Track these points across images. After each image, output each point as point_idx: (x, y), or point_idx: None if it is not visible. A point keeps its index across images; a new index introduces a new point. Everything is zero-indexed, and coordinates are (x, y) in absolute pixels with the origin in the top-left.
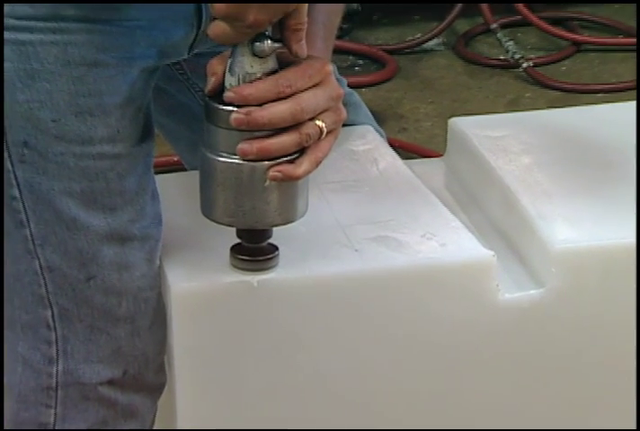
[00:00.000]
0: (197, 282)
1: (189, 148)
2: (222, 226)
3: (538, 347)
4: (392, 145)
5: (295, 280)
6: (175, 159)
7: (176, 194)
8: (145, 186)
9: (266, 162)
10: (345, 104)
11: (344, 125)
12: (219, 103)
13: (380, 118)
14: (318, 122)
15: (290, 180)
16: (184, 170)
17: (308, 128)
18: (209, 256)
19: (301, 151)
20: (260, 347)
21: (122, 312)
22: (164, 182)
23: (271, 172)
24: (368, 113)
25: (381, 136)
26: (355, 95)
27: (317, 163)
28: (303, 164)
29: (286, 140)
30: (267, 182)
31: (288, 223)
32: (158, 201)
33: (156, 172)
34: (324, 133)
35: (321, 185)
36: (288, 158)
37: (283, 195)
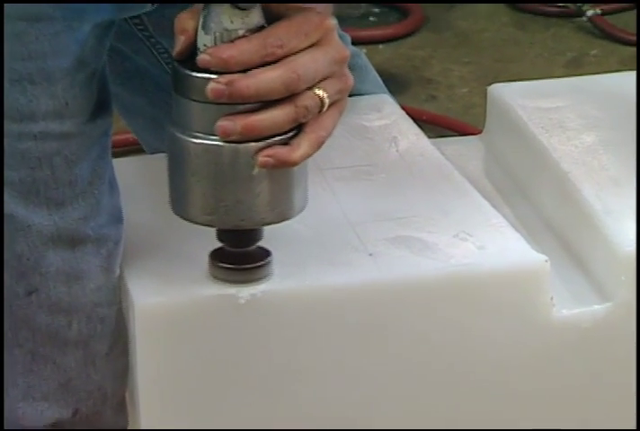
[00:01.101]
0: (167, 297)
1: (148, 126)
2: (199, 226)
3: (601, 375)
4: (416, 118)
5: (292, 294)
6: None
7: (138, 183)
8: (100, 174)
9: (253, 144)
10: (349, 68)
11: (350, 95)
12: (192, 70)
13: (402, 84)
14: (318, 91)
15: (285, 166)
16: (143, 151)
17: (306, 100)
18: (183, 264)
19: (298, 129)
20: (247, 380)
21: (72, 335)
22: (121, 168)
23: (261, 157)
24: (378, 80)
25: None
26: (362, 57)
27: (319, 145)
28: (301, 146)
29: (278, 115)
30: (255, 170)
31: (283, 220)
32: (117, 193)
33: (113, 155)
34: (326, 105)
35: (325, 171)
36: (282, 138)
37: (276, 185)
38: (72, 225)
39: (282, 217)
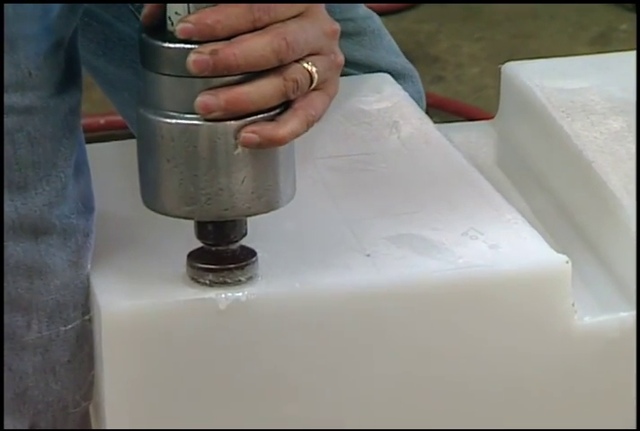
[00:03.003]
0: (138, 300)
1: (134, 99)
2: (175, 220)
3: (628, 389)
4: None
5: (279, 298)
6: (102, 121)
7: (115, 171)
8: (66, 155)
9: (235, 123)
10: (359, 33)
11: (356, 64)
12: (164, 40)
13: None
14: (307, 65)
15: (271, 144)
16: (119, 137)
17: (295, 73)
18: (157, 263)
19: (284, 107)
20: (228, 394)
21: (31, 338)
22: (98, 154)
23: (244, 133)
24: (394, 45)
25: (411, 78)
26: (375, 19)
27: (308, 124)
28: (288, 123)
29: (265, 88)
30: (238, 150)
31: (270, 210)
32: (87, 179)
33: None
34: (315, 81)
35: (317, 161)
36: (266, 115)
37: (261, 170)
38: (35, 213)
39: (269, 207)
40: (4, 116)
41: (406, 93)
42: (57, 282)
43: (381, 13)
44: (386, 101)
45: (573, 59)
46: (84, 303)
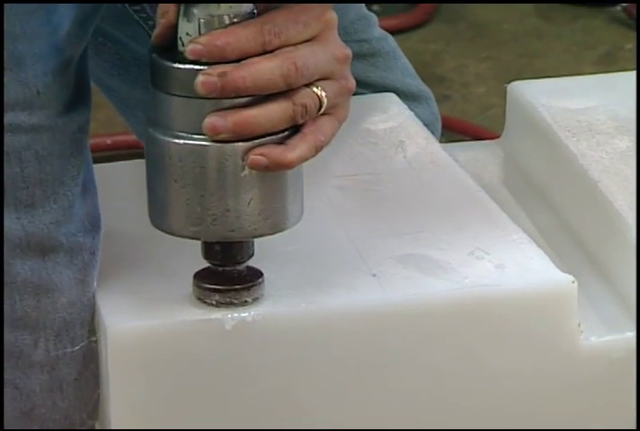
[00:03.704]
0: (144, 321)
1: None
2: (182, 240)
3: (633, 409)
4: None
5: (285, 318)
6: (109, 141)
7: (126, 190)
8: (74, 173)
9: (243, 144)
10: (374, 54)
11: (371, 85)
12: (174, 61)
13: None
14: (316, 90)
15: (279, 168)
16: (126, 157)
17: (304, 97)
18: (163, 283)
19: (293, 131)
20: (235, 415)
21: (38, 357)
22: (109, 173)
23: (252, 156)
24: (409, 67)
25: (426, 100)
26: (389, 41)
27: (317, 149)
28: (297, 147)
29: (274, 111)
30: (245, 171)
31: (277, 231)
32: (94, 198)
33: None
34: (324, 106)
35: (323, 180)
36: (274, 138)
37: (268, 192)
38: (42, 231)
39: (276, 228)
40: (11, 134)
41: (412, 113)
42: (64, 300)
43: (390, 32)
44: (393, 121)
45: (579, 79)
46: (91, 322)
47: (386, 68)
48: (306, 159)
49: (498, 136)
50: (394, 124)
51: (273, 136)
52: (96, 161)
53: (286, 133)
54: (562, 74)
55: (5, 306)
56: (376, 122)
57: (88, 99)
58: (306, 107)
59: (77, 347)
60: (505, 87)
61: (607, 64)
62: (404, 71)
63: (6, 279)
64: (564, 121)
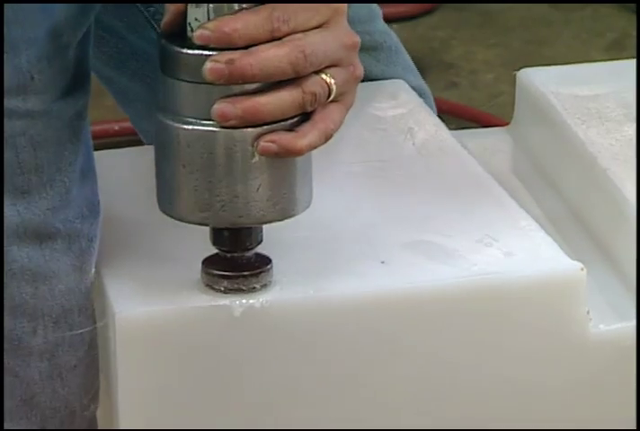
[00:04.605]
0: (153, 306)
1: (147, 113)
2: (191, 226)
3: None
4: (436, 107)
5: (293, 305)
6: (116, 127)
7: (132, 176)
8: (71, 160)
9: (252, 130)
10: (375, 48)
11: (372, 79)
12: (182, 46)
13: (419, 69)
14: (325, 77)
15: (288, 154)
16: (134, 143)
17: (314, 85)
18: (172, 270)
19: (301, 118)
20: (242, 401)
21: (37, 344)
22: (106, 161)
23: (262, 142)
24: (410, 63)
25: (424, 97)
26: (392, 36)
27: (327, 137)
28: (307, 135)
29: (284, 98)
30: (255, 158)
31: (286, 218)
32: (93, 183)
33: (96, 148)
34: (333, 93)
35: (332, 167)
36: (284, 124)
37: (277, 178)
38: (39, 217)
39: (285, 214)
40: (6, 120)
41: (421, 100)
42: (62, 287)
43: (395, 20)
44: (402, 108)
45: (589, 66)
46: (89, 308)
47: (388, 63)
48: (315, 146)
49: (506, 124)
50: (403, 111)
51: (283, 123)
52: (104, 147)
53: (295, 120)
54: (570, 62)
55: (3, 294)
56: (385, 109)
57: (87, 84)
58: (315, 95)
59: (76, 334)
60: (514, 74)
61: (616, 51)
62: (406, 67)
63: (4, 267)
64: (573, 108)
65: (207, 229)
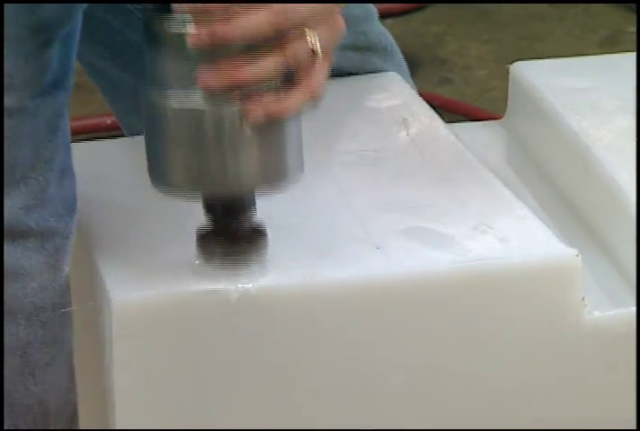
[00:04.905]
0: (149, 291)
1: (136, 108)
2: (184, 211)
3: (635, 383)
4: (428, 103)
5: (290, 291)
6: (109, 121)
7: (123, 166)
8: (47, 158)
9: (238, 100)
10: (369, 48)
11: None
12: (165, 18)
13: (412, 64)
14: (309, 38)
15: (276, 117)
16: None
17: (296, 47)
18: (166, 254)
19: (286, 81)
20: (239, 387)
21: (9, 341)
22: (107, 150)
23: (248, 107)
24: (403, 64)
25: None
26: (388, 36)
27: (313, 98)
28: (293, 95)
29: (267, 62)
30: (243, 127)
31: (276, 188)
32: (71, 183)
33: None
34: (319, 56)
35: (328, 156)
36: (269, 88)
37: (267, 147)
38: (11, 215)
39: (275, 185)
40: None
41: (415, 92)
42: (35, 285)
43: (389, 15)
44: (396, 99)
45: (581, 59)
46: (62, 304)
47: (382, 63)
48: (302, 107)
49: (501, 117)
50: (397, 102)
51: (268, 87)
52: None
53: (280, 83)
54: (564, 57)
55: None
56: (379, 100)
57: (67, 83)
58: (298, 58)
59: (49, 331)
60: (507, 69)
61: (609, 46)
62: (399, 67)
63: None
64: (566, 100)
65: (201, 213)
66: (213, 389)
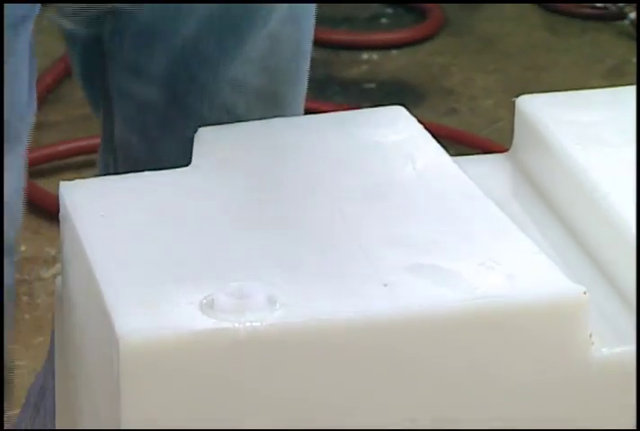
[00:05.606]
0: (156, 331)
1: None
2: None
3: None
4: (434, 134)
5: (298, 328)
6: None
7: (128, 202)
8: None
9: None
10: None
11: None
12: None
13: (419, 95)
14: None
15: None
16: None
17: None
18: (174, 292)
19: None
20: (249, 425)
21: None
22: (114, 185)
23: None
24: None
25: None
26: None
27: None
28: None
29: None
30: None
31: None
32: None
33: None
34: None
35: (333, 192)
36: None
37: None
38: None
39: None
40: None
41: (421, 126)
42: None
43: (396, 46)
44: (402, 133)
45: (587, 92)
46: None
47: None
48: None
49: (506, 150)
50: (403, 136)
51: None
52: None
53: None
54: (569, 88)
55: None
56: (385, 135)
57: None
58: None
59: None
60: (513, 100)
61: (615, 77)
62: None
63: None
64: (572, 134)
65: (214, 256)
66: (222, 427)
